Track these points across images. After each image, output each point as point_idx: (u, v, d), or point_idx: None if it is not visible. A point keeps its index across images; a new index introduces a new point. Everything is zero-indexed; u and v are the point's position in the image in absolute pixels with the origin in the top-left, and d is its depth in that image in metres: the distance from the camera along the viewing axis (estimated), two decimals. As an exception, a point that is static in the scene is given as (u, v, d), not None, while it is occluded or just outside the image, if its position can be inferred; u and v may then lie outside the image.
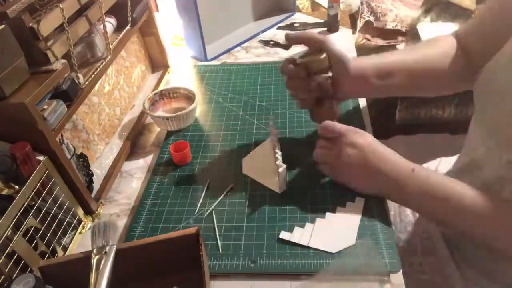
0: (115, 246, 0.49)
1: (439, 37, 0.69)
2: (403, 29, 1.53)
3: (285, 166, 0.61)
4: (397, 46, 1.54)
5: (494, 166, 0.55)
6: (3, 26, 0.48)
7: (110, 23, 0.77)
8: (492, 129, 0.55)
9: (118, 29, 0.79)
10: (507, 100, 0.50)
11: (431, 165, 0.82)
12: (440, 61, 0.65)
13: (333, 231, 0.57)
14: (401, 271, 0.52)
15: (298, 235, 0.57)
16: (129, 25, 0.79)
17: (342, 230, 0.57)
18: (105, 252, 0.49)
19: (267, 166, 0.67)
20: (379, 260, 0.53)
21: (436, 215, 0.57)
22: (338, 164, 0.59)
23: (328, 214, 0.60)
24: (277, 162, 0.61)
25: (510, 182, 0.53)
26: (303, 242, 0.56)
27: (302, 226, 0.58)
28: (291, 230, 0.58)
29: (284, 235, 0.57)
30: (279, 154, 0.62)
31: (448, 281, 0.63)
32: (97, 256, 0.48)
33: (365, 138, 0.58)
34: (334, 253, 0.54)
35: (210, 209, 0.63)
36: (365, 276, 0.52)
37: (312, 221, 0.59)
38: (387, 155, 0.57)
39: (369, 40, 1.55)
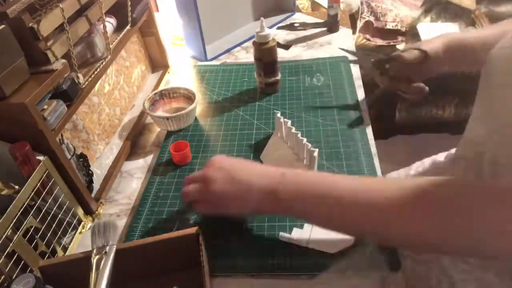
0: (115, 246, 0.49)
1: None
2: (403, 29, 1.53)
3: (317, 149, 0.62)
4: (397, 46, 1.54)
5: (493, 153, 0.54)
6: (3, 26, 0.48)
7: (110, 23, 0.77)
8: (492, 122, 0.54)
9: (118, 29, 0.79)
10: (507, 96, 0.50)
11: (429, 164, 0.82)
12: None
13: (332, 232, 0.57)
14: (401, 271, 0.52)
15: (297, 236, 0.57)
16: (129, 25, 0.79)
17: (342, 230, 0.57)
18: (105, 252, 0.49)
19: (288, 158, 0.68)
20: (379, 260, 0.53)
21: (320, 216, 0.49)
22: (211, 194, 0.53)
23: (328, 214, 0.59)
24: (309, 148, 0.62)
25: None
26: (302, 243, 0.56)
27: (301, 227, 0.58)
28: (290, 230, 0.58)
29: (282, 236, 0.57)
30: (305, 140, 0.64)
31: (442, 268, 0.64)
32: (97, 256, 0.48)
33: (224, 160, 0.55)
34: (333, 253, 0.54)
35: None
36: (365, 276, 0.52)
37: (312, 221, 0.59)
38: (253, 167, 0.54)
39: (369, 40, 1.55)
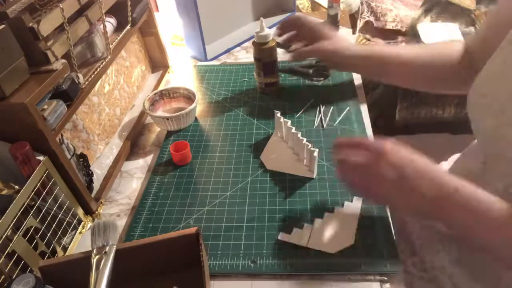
0: (115, 246, 0.49)
1: (451, 40, 0.71)
2: (403, 29, 1.53)
3: (317, 149, 0.63)
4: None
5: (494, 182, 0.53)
6: (3, 26, 0.48)
7: (110, 23, 0.77)
8: (485, 141, 0.54)
9: (118, 29, 0.79)
10: (496, 110, 0.50)
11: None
12: (442, 56, 0.68)
13: (332, 231, 0.57)
14: (401, 271, 0.52)
15: (297, 237, 0.57)
16: (129, 25, 0.79)
17: (341, 231, 0.57)
18: (105, 252, 0.49)
19: (288, 158, 0.69)
20: (379, 260, 0.53)
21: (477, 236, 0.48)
22: (373, 184, 0.50)
23: (326, 215, 0.60)
24: (309, 148, 0.63)
25: None
26: (302, 243, 0.56)
27: (301, 227, 0.58)
28: (290, 230, 0.58)
29: (283, 236, 0.57)
30: (305, 140, 0.65)
31: (445, 277, 0.63)
32: (97, 256, 0.48)
33: (406, 153, 0.49)
34: (334, 253, 0.54)
35: (211, 208, 0.63)
36: (365, 276, 0.52)
37: (311, 221, 0.59)
38: (428, 170, 0.48)
39: (369, 40, 1.55)
